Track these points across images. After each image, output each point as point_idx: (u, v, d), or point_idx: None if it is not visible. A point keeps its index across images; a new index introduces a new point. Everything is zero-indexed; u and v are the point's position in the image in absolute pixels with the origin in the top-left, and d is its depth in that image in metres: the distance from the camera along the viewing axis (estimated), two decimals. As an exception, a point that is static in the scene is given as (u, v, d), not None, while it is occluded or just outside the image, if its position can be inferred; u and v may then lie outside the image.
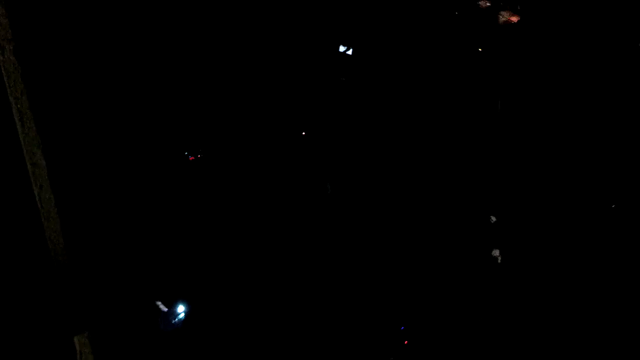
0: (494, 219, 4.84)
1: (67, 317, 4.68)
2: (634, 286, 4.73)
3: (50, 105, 4.51)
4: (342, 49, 5.03)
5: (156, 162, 4.81)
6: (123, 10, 4.52)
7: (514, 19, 4.85)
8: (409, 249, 4.93)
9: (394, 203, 4.97)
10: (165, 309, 4.88)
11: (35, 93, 4.44)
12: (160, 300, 4.89)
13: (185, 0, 4.66)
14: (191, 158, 4.97)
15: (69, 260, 4.67)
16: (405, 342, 4.90)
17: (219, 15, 4.73)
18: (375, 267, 4.96)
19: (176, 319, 4.84)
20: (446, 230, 4.92)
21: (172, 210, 4.89)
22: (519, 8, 4.84)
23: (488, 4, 4.92)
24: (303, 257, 4.97)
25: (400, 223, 4.92)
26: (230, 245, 4.96)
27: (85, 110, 4.59)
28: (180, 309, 4.83)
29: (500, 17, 4.94)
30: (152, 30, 4.62)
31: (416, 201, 4.97)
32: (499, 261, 4.86)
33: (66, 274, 4.67)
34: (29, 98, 4.44)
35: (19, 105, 4.44)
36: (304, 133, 5.03)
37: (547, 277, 4.82)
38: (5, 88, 4.35)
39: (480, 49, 4.88)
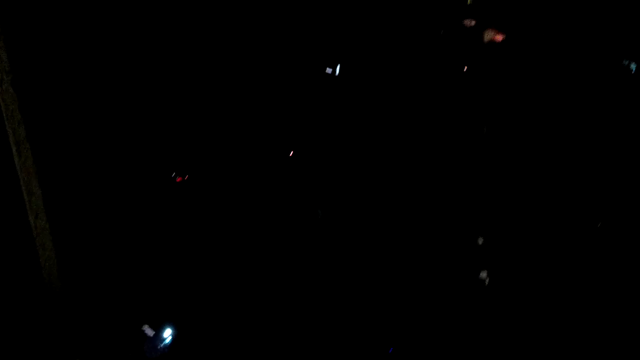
0: (481, 241, 4.98)
1: (60, 344, 4.68)
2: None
3: (46, 135, 4.48)
4: (328, 70, 5.08)
5: (150, 193, 4.81)
6: (119, 42, 4.51)
7: (499, 37, 4.96)
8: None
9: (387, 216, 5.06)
10: (151, 333, 4.89)
11: (32, 123, 4.41)
12: (147, 324, 4.90)
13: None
14: (178, 179, 4.97)
15: (63, 288, 4.66)
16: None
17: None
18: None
19: (162, 344, 4.85)
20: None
21: (164, 238, 4.90)
22: (503, 27, 4.95)
23: (473, 23, 5.02)
24: (295, 276, 5.05)
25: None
26: (222, 264, 4.99)
27: (82, 138, 4.56)
28: (167, 333, 4.84)
29: (486, 35, 5.05)
30: (147, 55, 4.62)
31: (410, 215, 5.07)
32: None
33: (60, 301, 4.66)
34: (26, 128, 4.40)
35: (16, 135, 4.40)
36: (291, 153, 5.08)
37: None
38: (2, 119, 4.30)
39: (465, 68, 4.99)
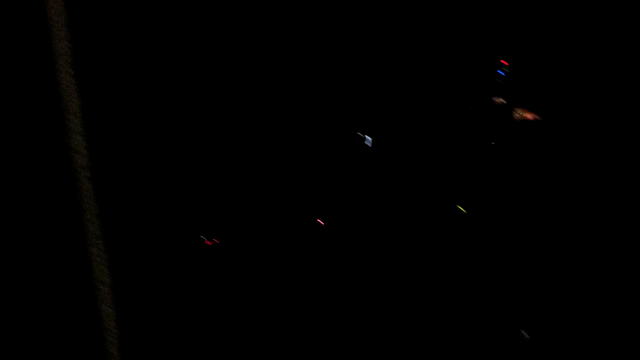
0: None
1: None
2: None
3: (122, 223, 4.57)
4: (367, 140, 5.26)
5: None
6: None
7: (529, 116, 5.23)
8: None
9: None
10: None
11: (108, 213, 4.50)
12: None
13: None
14: (208, 243, 5.12)
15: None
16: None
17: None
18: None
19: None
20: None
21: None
22: (534, 105, 5.22)
23: (503, 101, 5.28)
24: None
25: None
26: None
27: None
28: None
29: (515, 113, 5.32)
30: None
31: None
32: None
33: None
34: (100, 218, 4.48)
35: (91, 228, 4.48)
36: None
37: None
38: (81, 210, 4.38)
39: (493, 143, 5.23)
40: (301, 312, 5.17)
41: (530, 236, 5.29)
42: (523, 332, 5.17)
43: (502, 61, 5.49)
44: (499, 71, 5.49)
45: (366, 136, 5.45)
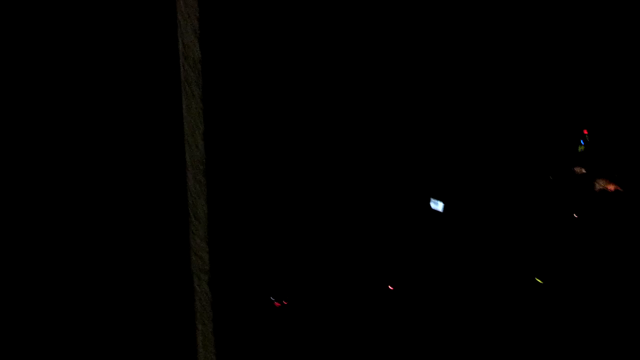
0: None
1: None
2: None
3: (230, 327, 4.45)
4: (438, 206, 5.23)
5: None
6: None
7: (611, 187, 5.27)
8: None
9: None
10: None
11: (223, 316, 4.37)
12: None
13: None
14: (277, 304, 5.06)
15: None
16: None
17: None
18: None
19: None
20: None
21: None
22: (616, 176, 5.26)
23: (583, 171, 5.30)
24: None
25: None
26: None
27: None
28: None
29: (597, 184, 5.34)
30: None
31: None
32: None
33: None
34: (215, 322, 4.36)
35: (203, 330, 4.36)
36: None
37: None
38: (195, 314, 4.26)
39: (575, 215, 5.27)
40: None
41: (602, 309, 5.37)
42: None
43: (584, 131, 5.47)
44: (581, 141, 5.47)
45: (438, 202, 5.40)
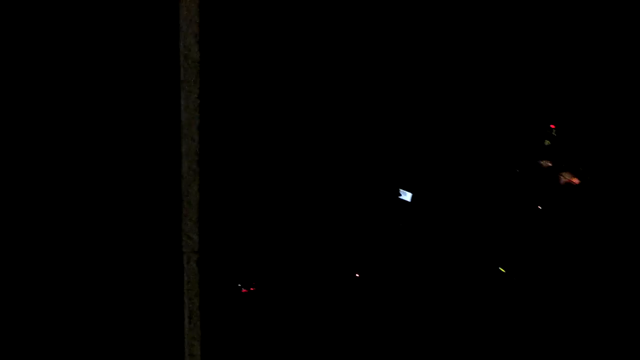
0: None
1: None
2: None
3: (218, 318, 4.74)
4: (406, 196, 5.47)
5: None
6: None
7: (576, 180, 5.54)
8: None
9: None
10: None
11: (208, 293, 4.66)
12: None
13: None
14: (244, 290, 5.37)
15: None
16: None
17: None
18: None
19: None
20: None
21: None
22: (581, 169, 5.52)
23: (549, 164, 5.57)
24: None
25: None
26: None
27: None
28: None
29: (562, 177, 5.63)
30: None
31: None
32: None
33: None
34: (201, 298, 4.65)
35: (190, 305, 4.64)
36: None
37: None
38: (183, 290, 4.54)
39: (539, 207, 5.54)
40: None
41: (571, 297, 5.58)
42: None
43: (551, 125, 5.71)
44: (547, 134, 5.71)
45: (406, 192, 5.60)
